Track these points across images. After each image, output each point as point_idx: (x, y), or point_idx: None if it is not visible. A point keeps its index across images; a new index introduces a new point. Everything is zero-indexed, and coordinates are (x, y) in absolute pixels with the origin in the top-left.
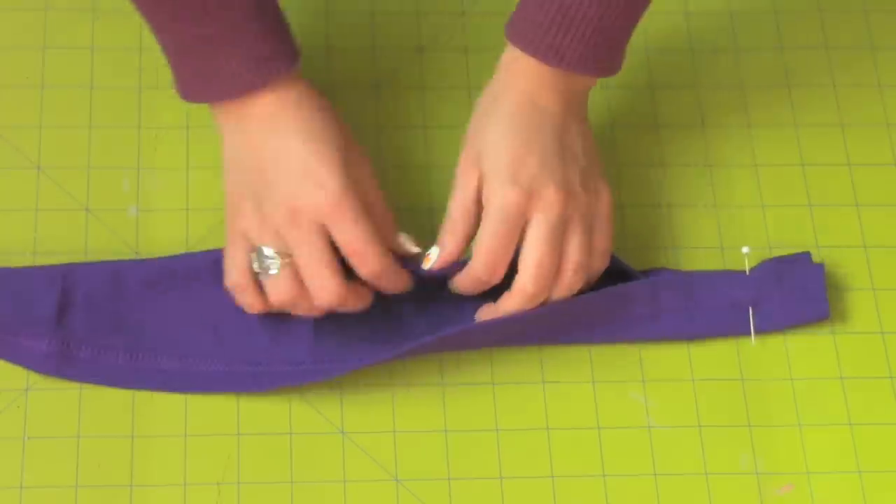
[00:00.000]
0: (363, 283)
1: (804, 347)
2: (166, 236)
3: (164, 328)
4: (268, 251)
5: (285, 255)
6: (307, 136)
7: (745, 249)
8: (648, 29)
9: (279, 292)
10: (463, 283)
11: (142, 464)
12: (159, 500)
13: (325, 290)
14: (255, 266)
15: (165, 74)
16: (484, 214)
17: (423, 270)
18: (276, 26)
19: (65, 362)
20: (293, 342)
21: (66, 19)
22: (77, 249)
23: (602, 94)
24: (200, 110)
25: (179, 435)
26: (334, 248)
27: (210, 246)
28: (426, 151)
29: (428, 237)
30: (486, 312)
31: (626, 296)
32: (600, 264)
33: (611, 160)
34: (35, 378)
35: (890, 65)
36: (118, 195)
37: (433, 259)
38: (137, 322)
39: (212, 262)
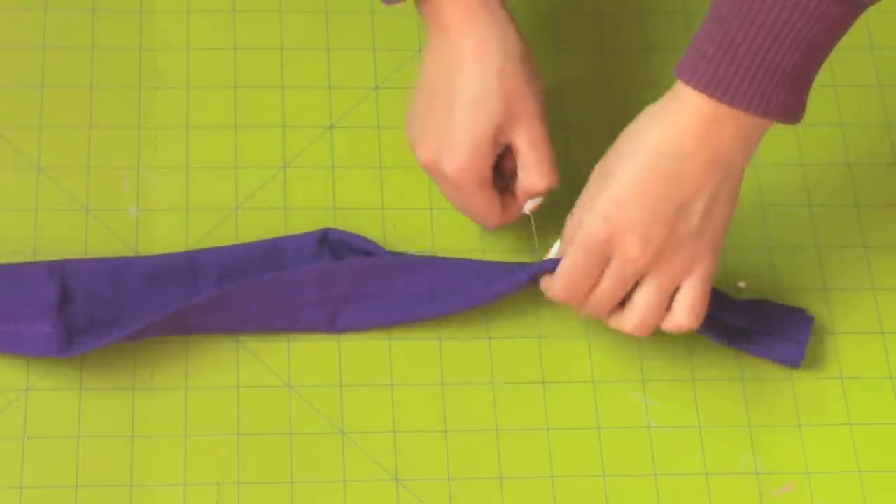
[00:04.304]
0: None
1: None
2: (166, 236)
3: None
4: None
5: None
6: (500, 78)
7: (741, 284)
8: (649, 30)
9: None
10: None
11: (142, 464)
12: (159, 500)
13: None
14: None
15: (165, 74)
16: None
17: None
18: None
19: (68, 343)
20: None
21: (66, 19)
22: (77, 249)
23: (602, 94)
24: (200, 110)
25: (179, 435)
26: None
27: (210, 246)
28: None
29: (427, 237)
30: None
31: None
32: (684, 321)
33: None
34: (35, 378)
35: (890, 65)
36: (118, 195)
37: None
38: (137, 315)
39: (215, 259)
